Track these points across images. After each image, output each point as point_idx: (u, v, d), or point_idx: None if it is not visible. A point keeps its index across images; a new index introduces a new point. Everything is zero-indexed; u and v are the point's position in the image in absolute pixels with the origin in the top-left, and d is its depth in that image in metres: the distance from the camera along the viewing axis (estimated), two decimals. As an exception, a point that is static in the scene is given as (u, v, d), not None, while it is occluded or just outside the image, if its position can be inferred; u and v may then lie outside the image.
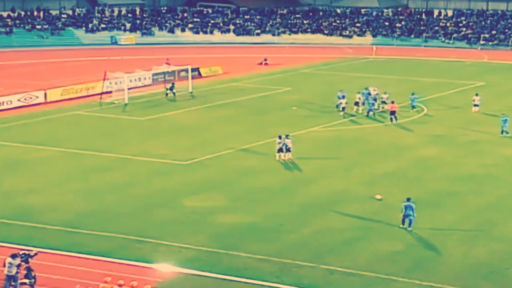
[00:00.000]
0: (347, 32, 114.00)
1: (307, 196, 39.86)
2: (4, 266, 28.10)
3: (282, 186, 41.71)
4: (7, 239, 33.17)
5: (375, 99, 61.04)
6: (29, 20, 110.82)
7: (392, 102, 58.50)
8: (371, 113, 59.56)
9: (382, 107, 61.03)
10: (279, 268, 30.67)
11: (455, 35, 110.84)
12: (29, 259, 28.55)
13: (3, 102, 63.05)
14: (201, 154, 48.03)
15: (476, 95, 61.81)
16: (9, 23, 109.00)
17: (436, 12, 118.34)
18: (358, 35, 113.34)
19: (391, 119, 57.41)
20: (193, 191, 40.64)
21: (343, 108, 59.95)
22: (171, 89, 68.83)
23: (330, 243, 33.47)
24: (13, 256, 28.15)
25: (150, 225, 35.45)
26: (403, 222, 35.02)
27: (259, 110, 62.89)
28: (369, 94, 61.64)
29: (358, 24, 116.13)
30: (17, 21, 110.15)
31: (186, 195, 39.87)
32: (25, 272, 28.42)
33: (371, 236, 34.24)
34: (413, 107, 61.49)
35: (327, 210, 37.68)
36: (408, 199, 35.22)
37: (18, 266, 28.07)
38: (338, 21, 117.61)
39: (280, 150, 46.77)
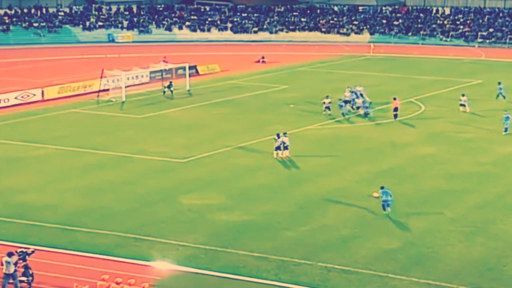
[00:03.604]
0: (345, 30, 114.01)
1: (304, 194, 39.86)
2: (2, 264, 28.10)
3: (279, 184, 41.72)
4: (4, 237, 33.15)
5: (344, 101, 59.55)
6: (26, 18, 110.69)
7: (395, 99, 58.40)
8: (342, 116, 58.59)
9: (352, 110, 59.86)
10: (277, 265, 30.67)
11: (452, 33, 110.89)
12: (27, 257, 28.52)
13: (0, 100, 63.04)
14: (199, 152, 48.02)
15: (463, 95, 61.41)
16: (6, 21, 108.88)
17: (433, 10, 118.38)
18: (356, 33, 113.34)
19: (395, 116, 57.36)
20: (191, 189, 40.62)
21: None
22: (168, 87, 68.81)
23: (328, 240, 33.47)
24: (9, 255, 28.09)
25: (148, 223, 35.43)
26: (384, 208, 36.30)
27: (257, 108, 62.88)
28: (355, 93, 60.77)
29: (355, 22, 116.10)
30: (14, 19, 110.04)
31: (183, 193, 39.84)
32: (22, 270, 28.41)
33: (368, 233, 34.24)
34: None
35: (324, 208, 37.69)
36: (382, 187, 36.62)
37: (16, 263, 28.05)
38: (335, 19, 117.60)
39: (278, 148, 46.77)
